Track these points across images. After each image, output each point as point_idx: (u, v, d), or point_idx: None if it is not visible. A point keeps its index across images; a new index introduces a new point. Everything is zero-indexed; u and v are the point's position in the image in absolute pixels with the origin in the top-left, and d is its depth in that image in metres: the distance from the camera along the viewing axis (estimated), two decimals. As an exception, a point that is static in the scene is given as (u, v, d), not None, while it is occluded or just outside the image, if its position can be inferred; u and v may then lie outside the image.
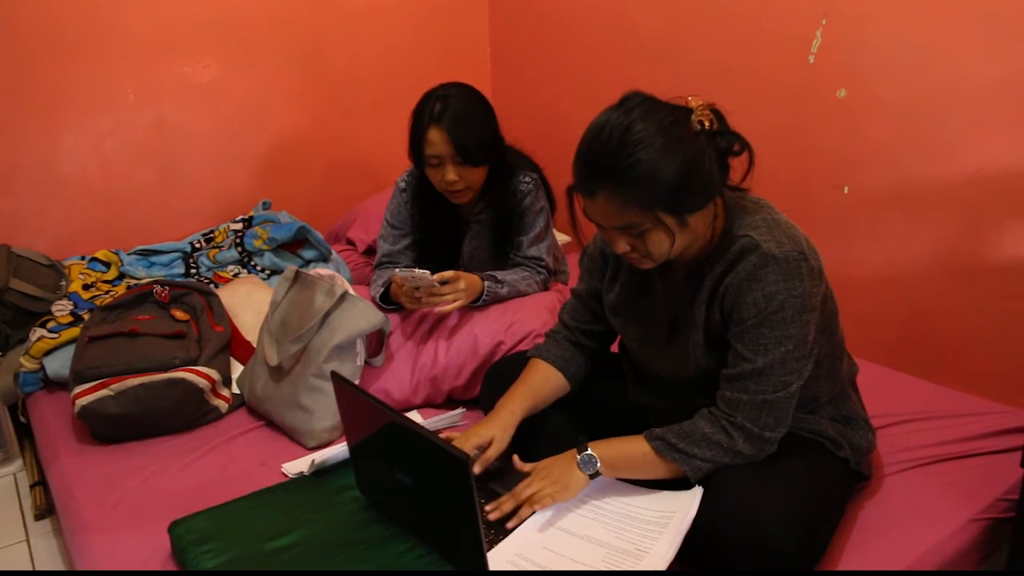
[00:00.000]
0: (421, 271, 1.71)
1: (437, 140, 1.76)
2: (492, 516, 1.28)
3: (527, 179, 1.90)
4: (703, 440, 1.25)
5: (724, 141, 1.21)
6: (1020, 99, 1.66)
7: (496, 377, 1.64)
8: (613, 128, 1.16)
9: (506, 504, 1.29)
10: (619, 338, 1.54)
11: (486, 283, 1.82)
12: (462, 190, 1.83)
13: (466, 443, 1.34)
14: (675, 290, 1.33)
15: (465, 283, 1.77)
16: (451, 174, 1.79)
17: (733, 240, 1.23)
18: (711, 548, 1.19)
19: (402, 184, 1.98)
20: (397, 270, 1.77)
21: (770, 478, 1.22)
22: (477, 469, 1.33)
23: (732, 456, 1.24)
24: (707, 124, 1.19)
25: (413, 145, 1.82)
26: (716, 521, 1.19)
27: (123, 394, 1.68)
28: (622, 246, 1.23)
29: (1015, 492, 1.40)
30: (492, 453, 1.35)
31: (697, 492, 1.25)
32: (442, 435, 1.43)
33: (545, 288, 1.96)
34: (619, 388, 1.50)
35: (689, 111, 1.20)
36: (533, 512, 1.27)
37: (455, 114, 1.76)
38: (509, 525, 1.27)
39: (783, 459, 1.26)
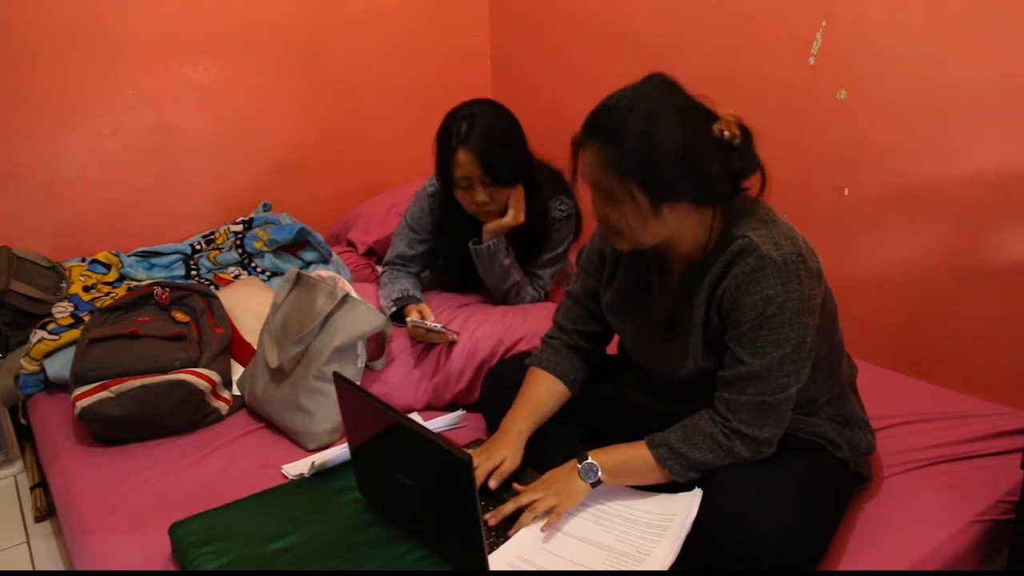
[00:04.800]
0: (432, 323, 1.74)
1: (465, 162, 1.74)
2: (492, 521, 1.29)
3: (563, 207, 1.90)
4: (704, 440, 1.25)
5: (738, 160, 1.20)
6: (1020, 100, 1.66)
7: (495, 380, 1.64)
8: (625, 94, 1.19)
9: (507, 507, 1.29)
10: (617, 339, 1.55)
11: (495, 241, 1.82)
12: (493, 211, 1.82)
13: (479, 468, 1.34)
14: (671, 289, 1.33)
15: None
16: (481, 195, 1.77)
17: (730, 241, 1.22)
18: (711, 550, 1.19)
19: (431, 189, 1.94)
20: (408, 320, 1.78)
21: (769, 480, 1.22)
22: (493, 484, 1.34)
23: (732, 457, 1.24)
24: (727, 135, 1.18)
25: (441, 167, 1.80)
26: (715, 523, 1.19)
27: (123, 396, 1.68)
28: (599, 209, 1.25)
29: (1015, 494, 1.40)
30: (507, 468, 1.36)
31: (697, 494, 1.25)
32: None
33: (534, 302, 1.95)
34: (618, 391, 1.51)
35: (712, 115, 1.20)
36: (534, 518, 1.27)
37: (482, 134, 1.73)
38: (510, 532, 1.27)
39: (782, 460, 1.26)
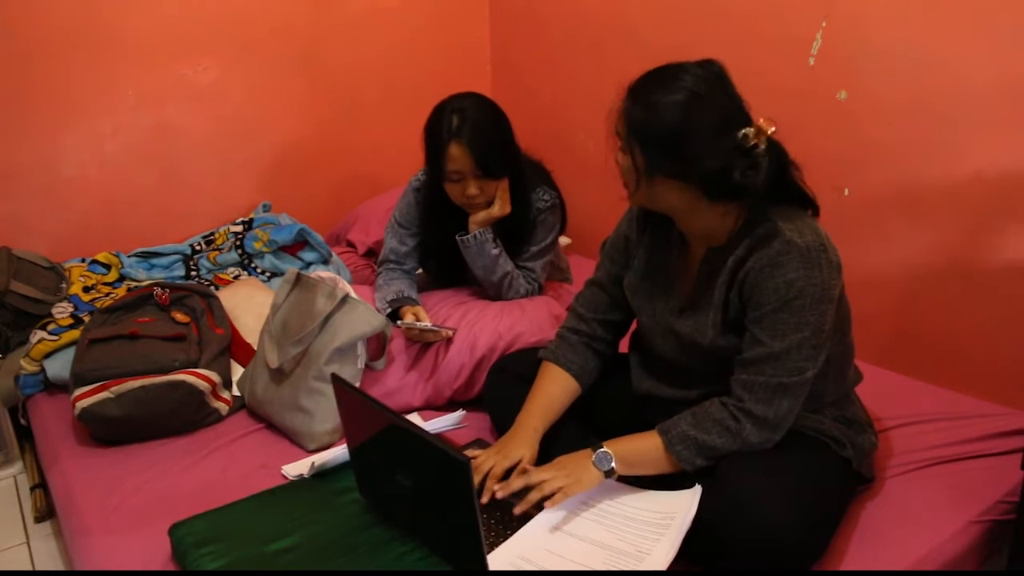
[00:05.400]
0: (424, 324, 1.74)
1: (458, 155, 1.74)
2: (500, 494, 1.29)
3: (547, 196, 1.90)
4: (714, 425, 1.26)
5: (746, 173, 1.21)
6: (1020, 100, 1.66)
7: (500, 375, 1.64)
8: (675, 66, 1.23)
9: (516, 482, 1.29)
10: (630, 332, 1.55)
11: (482, 231, 1.83)
12: (482, 203, 1.82)
13: (497, 468, 1.34)
14: (692, 269, 1.35)
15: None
16: (472, 188, 1.78)
17: (755, 224, 1.24)
18: (713, 541, 1.20)
19: (416, 184, 1.96)
20: (400, 323, 1.78)
21: (773, 472, 1.22)
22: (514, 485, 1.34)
23: (740, 442, 1.25)
24: (752, 142, 1.20)
25: (431, 160, 1.80)
26: (719, 514, 1.19)
27: (123, 396, 1.68)
28: (616, 155, 1.29)
29: (1015, 494, 1.40)
30: (523, 469, 1.36)
31: (696, 492, 1.25)
32: (469, 456, 1.42)
33: (528, 295, 1.95)
34: (623, 390, 1.51)
35: (747, 118, 1.22)
36: (542, 500, 1.27)
37: (473, 128, 1.73)
38: (516, 510, 1.27)
39: (786, 454, 1.26)
